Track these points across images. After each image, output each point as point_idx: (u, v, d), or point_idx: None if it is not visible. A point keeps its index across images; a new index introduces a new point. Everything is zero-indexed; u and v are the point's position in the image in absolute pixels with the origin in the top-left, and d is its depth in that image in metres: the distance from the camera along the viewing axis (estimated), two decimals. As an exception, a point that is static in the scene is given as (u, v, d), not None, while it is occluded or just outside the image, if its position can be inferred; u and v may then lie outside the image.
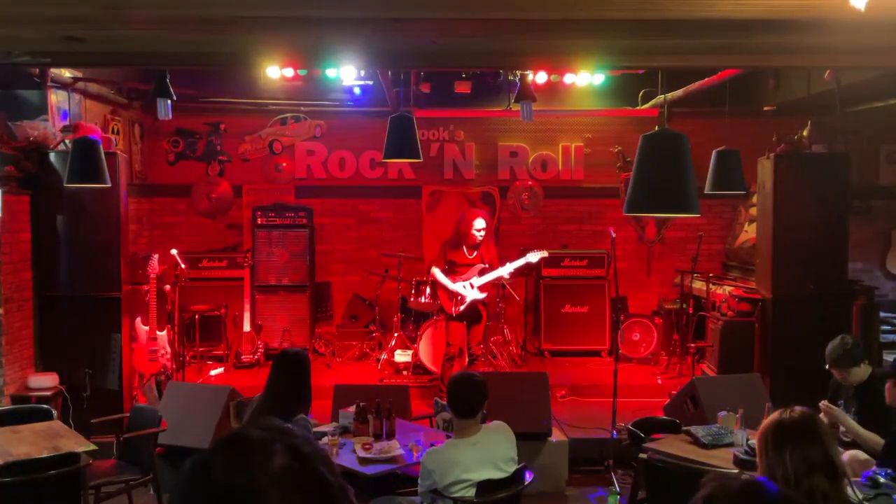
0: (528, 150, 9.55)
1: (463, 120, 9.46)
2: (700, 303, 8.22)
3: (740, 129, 7.82)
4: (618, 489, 5.60)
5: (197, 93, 8.74)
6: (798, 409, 2.76)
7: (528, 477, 4.02)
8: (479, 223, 7.37)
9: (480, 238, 7.38)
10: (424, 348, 7.68)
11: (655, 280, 9.55)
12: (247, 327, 8.25)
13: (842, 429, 4.44)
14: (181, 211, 9.45)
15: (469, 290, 7.33)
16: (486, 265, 7.45)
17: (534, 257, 7.51)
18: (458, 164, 9.53)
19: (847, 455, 4.02)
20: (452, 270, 7.44)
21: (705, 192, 5.53)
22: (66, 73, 7.02)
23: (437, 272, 7.42)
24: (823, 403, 4.45)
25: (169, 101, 6.42)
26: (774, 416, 2.77)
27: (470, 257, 7.48)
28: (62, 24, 4.43)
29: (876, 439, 4.23)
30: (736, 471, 4.01)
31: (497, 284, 7.88)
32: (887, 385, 4.28)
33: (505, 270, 7.37)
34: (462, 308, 7.32)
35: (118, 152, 6.87)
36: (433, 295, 7.79)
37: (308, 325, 8.77)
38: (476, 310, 7.47)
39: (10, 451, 4.26)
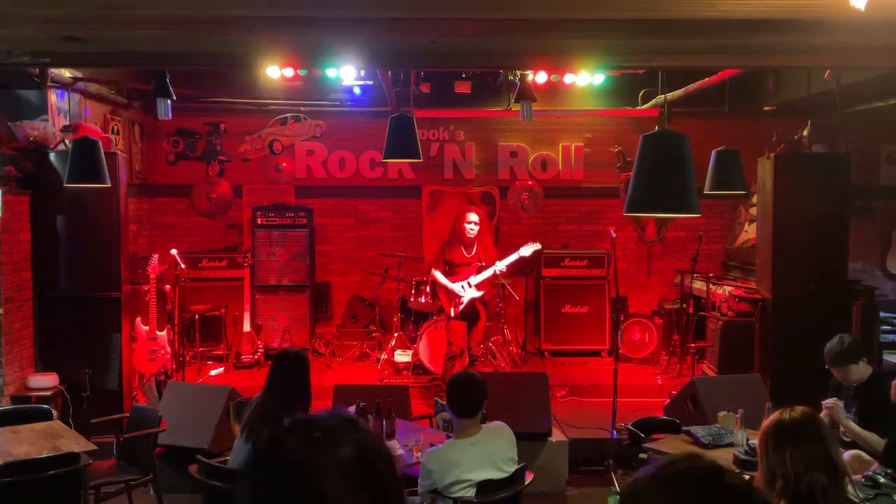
0: (528, 150, 9.54)
1: (463, 120, 9.45)
2: (700, 303, 8.21)
3: (740, 129, 7.83)
4: (618, 489, 5.60)
5: (197, 93, 8.74)
6: (799, 408, 2.76)
7: (529, 477, 4.02)
8: (472, 216, 7.37)
9: (473, 233, 7.36)
10: (424, 348, 7.68)
11: (655, 280, 9.55)
12: (247, 327, 8.25)
13: (842, 428, 4.44)
14: (181, 211, 9.45)
15: (467, 288, 7.33)
16: (484, 264, 7.45)
17: (527, 251, 7.52)
18: (458, 164, 9.53)
19: (849, 455, 4.01)
20: (452, 271, 7.44)
21: (705, 192, 5.53)
22: (66, 73, 7.01)
23: (437, 274, 7.43)
24: (832, 400, 4.44)
25: (169, 101, 6.42)
26: (775, 415, 2.77)
27: (468, 256, 7.48)
28: (62, 24, 4.43)
29: (876, 439, 4.23)
30: (736, 471, 4.01)
31: (497, 284, 7.87)
32: (894, 384, 4.26)
33: (498, 266, 7.39)
34: (461, 308, 7.33)
35: (118, 152, 6.88)
36: (433, 295, 7.79)
37: (308, 325, 8.78)
38: (475, 309, 7.47)
39: (9, 450, 4.26)
